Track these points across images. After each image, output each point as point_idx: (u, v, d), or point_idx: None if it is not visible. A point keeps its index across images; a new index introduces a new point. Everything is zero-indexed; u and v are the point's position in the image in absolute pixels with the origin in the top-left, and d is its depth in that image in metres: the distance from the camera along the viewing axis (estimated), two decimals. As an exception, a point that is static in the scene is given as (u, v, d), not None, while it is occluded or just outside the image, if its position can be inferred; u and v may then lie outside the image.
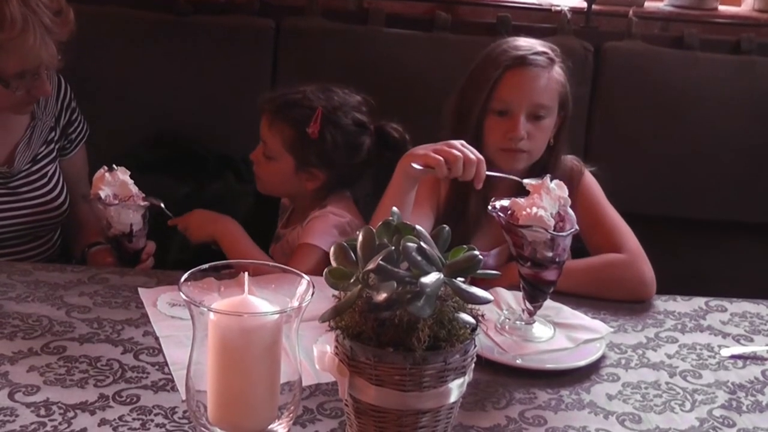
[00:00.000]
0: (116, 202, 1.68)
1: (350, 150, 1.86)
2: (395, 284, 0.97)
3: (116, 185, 1.68)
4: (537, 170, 1.71)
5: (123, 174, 1.69)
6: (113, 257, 1.77)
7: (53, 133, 1.91)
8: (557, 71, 1.75)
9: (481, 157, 1.56)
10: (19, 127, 1.86)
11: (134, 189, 1.70)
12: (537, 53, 1.73)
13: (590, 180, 1.82)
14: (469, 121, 1.72)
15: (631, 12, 2.43)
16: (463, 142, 1.57)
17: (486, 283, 1.44)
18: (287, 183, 1.89)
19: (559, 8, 2.43)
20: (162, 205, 1.78)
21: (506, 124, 1.71)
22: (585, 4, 2.44)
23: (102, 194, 1.68)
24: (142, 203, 1.70)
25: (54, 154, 1.92)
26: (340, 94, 1.88)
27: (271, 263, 1.08)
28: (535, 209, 1.33)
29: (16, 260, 1.82)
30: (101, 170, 1.70)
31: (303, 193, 1.90)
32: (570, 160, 1.83)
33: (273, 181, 1.91)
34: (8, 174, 1.83)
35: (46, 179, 1.89)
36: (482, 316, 1.06)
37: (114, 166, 1.70)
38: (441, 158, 1.53)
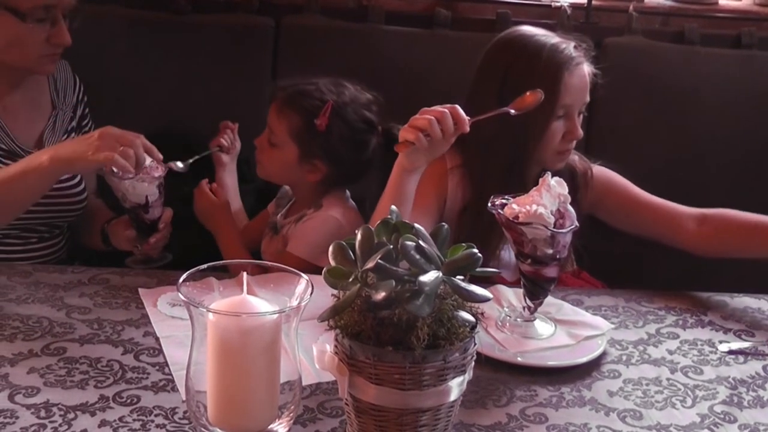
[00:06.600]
0: (131, 175, 1.67)
1: (356, 146, 1.86)
2: (394, 283, 0.97)
3: None
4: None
5: None
6: (132, 228, 1.79)
7: (72, 123, 1.96)
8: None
9: (450, 106, 1.51)
10: (44, 114, 1.91)
11: (148, 160, 1.69)
12: (575, 47, 1.70)
13: (608, 172, 1.82)
14: (534, 132, 1.66)
15: (631, 7, 2.43)
16: (436, 107, 1.52)
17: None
18: (288, 172, 1.89)
19: (559, 4, 2.43)
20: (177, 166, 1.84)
21: (563, 127, 1.70)
22: (585, 0, 2.43)
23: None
24: (157, 175, 1.70)
25: None
26: (351, 90, 1.88)
27: (269, 263, 1.08)
28: (535, 206, 1.33)
29: (24, 258, 1.82)
30: None
31: (303, 184, 1.90)
32: (578, 160, 1.81)
33: (274, 167, 1.91)
34: None
35: None
36: (482, 314, 1.06)
37: None
38: (418, 132, 1.50)
